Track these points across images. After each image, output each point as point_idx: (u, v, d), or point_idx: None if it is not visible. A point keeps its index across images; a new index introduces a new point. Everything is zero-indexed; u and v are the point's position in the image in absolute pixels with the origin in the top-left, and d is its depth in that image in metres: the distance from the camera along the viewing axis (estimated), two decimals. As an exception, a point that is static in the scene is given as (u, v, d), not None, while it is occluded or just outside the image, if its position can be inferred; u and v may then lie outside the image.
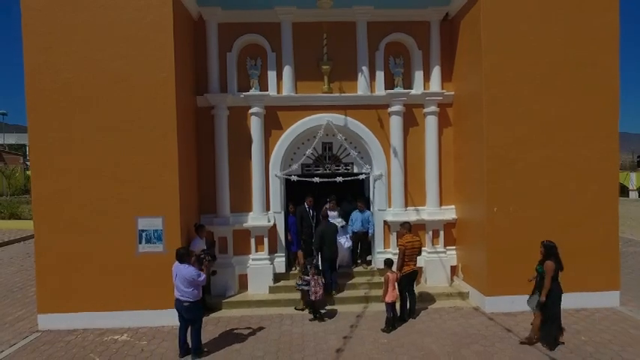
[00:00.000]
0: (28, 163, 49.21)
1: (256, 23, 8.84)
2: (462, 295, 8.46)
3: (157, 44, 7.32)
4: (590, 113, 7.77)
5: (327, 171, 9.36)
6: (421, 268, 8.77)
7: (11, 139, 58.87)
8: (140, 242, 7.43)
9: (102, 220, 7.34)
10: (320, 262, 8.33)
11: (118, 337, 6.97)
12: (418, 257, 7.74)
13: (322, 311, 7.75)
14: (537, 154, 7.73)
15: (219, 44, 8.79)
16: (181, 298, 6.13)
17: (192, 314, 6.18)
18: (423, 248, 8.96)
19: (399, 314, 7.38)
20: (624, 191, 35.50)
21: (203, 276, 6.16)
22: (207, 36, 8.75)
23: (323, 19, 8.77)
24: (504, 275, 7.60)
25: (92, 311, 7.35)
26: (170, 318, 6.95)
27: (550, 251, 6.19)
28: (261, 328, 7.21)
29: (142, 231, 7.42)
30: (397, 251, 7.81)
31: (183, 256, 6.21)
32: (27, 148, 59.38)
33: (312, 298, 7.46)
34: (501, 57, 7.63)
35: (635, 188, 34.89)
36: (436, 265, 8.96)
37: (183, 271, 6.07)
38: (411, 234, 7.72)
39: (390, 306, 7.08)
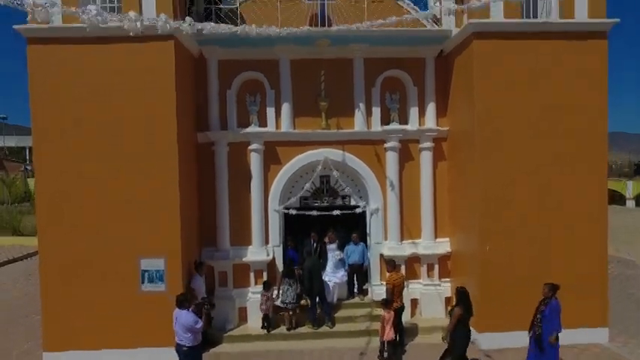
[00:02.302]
0: (28, 167, 49.41)
1: (255, 60, 9.03)
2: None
3: (159, 88, 7.55)
4: (580, 154, 7.99)
5: (325, 203, 9.57)
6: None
7: (11, 141, 58.50)
8: (143, 282, 7.66)
9: (106, 260, 7.56)
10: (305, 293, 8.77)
11: (121, 377, 7.19)
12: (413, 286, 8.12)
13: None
14: (527, 192, 7.95)
15: (219, 82, 8.99)
16: (180, 342, 6.35)
17: (190, 358, 6.41)
18: (419, 280, 9.26)
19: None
20: (621, 199, 35.86)
21: (200, 323, 6.37)
22: (207, 73, 8.95)
23: (321, 56, 8.97)
24: (497, 311, 7.83)
25: (96, 349, 7.58)
26: (173, 355, 7.17)
27: (460, 297, 6.55)
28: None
29: (145, 271, 7.64)
30: (390, 259, 8.41)
31: (182, 302, 6.42)
32: (27, 150, 59.56)
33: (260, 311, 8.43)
34: (493, 97, 7.84)
35: (632, 197, 35.16)
36: (432, 297, 9.19)
37: (183, 317, 6.28)
38: (395, 271, 8.00)
39: (391, 345, 7.33)
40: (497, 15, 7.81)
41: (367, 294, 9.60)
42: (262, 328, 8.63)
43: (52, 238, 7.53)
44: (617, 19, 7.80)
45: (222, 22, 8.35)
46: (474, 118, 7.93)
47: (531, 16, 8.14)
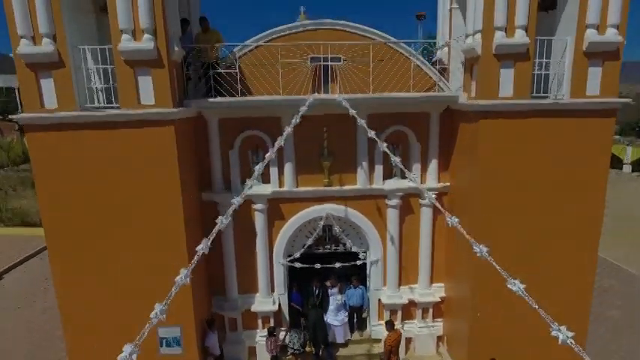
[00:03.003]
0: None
1: (257, 118, 8.85)
2: (446, 369, 9.65)
3: (163, 167, 7.56)
4: (573, 228, 8.25)
5: (328, 250, 10.01)
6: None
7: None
8: (161, 346, 8.36)
9: (128, 327, 8.16)
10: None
11: None
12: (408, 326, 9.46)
13: None
14: (519, 254, 8.31)
15: (220, 141, 8.89)
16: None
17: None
18: (414, 321, 10.05)
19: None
20: (619, 162, 36.06)
21: None
22: (208, 132, 8.82)
23: (324, 112, 8.77)
24: (487, 350, 8.61)
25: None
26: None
27: None
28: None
29: (162, 338, 8.30)
30: (388, 319, 9.26)
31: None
32: (17, 91, 57.76)
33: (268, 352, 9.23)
34: (496, 167, 7.88)
35: (629, 162, 35.33)
36: (425, 337, 10.02)
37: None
38: (393, 331, 8.73)
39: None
40: (506, 90, 7.58)
41: (366, 328, 10.45)
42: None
43: (74, 314, 8.06)
44: (629, 100, 7.60)
45: (220, 84, 8.16)
46: (476, 184, 8.06)
47: (542, 89, 7.89)
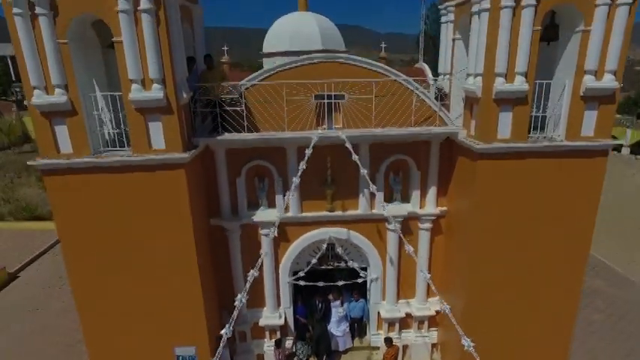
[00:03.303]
0: (21, 101, 47.97)
1: (262, 148, 9.14)
2: (439, 376, 10.49)
3: (175, 205, 7.94)
4: (560, 257, 8.76)
5: (330, 267, 10.58)
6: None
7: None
8: (176, 363, 9.10)
9: (147, 349, 8.88)
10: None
11: None
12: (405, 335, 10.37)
13: None
14: (509, 281, 8.92)
15: (227, 170, 9.22)
16: None
17: None
18: (410, 330, 10.79)
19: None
20: (618, 144, 36.34)
21: None
22: (216, 163, 9.13)
23: (327, 143, 9.05)
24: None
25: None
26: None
27: None
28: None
29: (179, 356, 9.02)
30: (387, 337, 10.04)
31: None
32: (9, 59, 56.90)
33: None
34: (491, 199, 8.27)
35: (628, 144, 35.53)
36: (420, 345, 10.79)
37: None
38: (392, 347, 9.48)
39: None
40: (504, 132, 7.85)
41: (365, 335, 11.23)
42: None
43: (96, 336, 8.71)
44: (623, 142, 7.88)
45: (227, 119, 8.43)
46: (472, 214, 8.49)
47: (538, 127, 8.15)
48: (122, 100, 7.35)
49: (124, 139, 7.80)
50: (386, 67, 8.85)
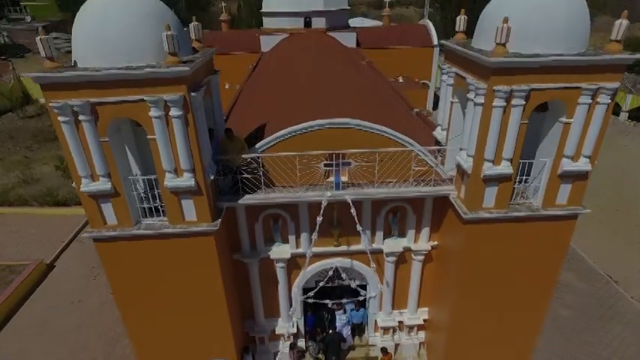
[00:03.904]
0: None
1: (277, 204, 10.30)
2: (424, 371, 12.76)
3: (206, 263, 9.42)
4: (526, 297, 10.41)
5: (336, 284, 12.31)
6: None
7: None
8: (212, 371, 11.19)
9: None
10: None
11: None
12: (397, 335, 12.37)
13: None
14: (483, 309, 10.65)
15: (247, 220, 10.54)
16: None
17: None
18: (401, 333, 12.85)
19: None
20: (617, 108, 36.54)
21: None
22: (237, 215, 10.41)
23: (334, 200, 10.17)
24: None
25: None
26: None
27: None
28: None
29: (214, 365, 11.08)
30: (381, 333, 12.07)
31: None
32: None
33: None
34: (476, 249, 9.65)
35: (627, 110, 35.87)
36: (410, 345, 12.93)
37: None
38: (386, 354, 11.51)
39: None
40: (489, 201, 9.05)
41: (364, 334, 13.35)
42: (292, 365, 12.63)
43: (146, 355, 10.67)
44: (589, 210, 9.11)
45: (246, 183, 9.60)
46: (459, 259, 10.00)
47: (519, 197, 9.32)
48: (157, 182, 8.45)
49: (160, 209, 9.00)
50: (389, 130, 9.71)
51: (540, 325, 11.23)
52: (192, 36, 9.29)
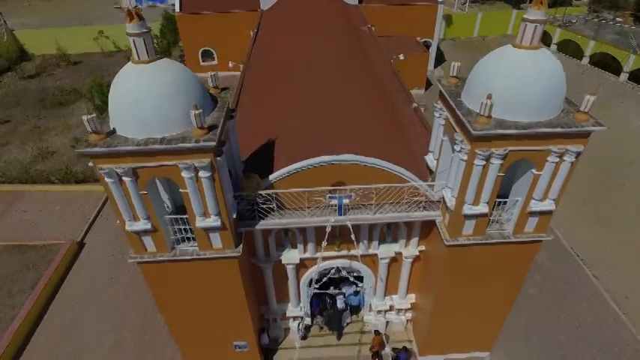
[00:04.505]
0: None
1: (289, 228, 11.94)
2: (409, 343, 15.36)
3: (230, 277, 11.33)
4: (494, 298, 12.53)
5: (337, 276, 14.43)
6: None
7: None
8: (235, 348, 13.68)
9: (215, 344, 13.33)
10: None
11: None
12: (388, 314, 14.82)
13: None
14: (459, 298, 12.86)
15: (262, 236, 12.29)
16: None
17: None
18: (392, 313, 15.31)
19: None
20: (618, 68, 36.52)
21: None
22: (254, 233, 12.11)
23: (337, 224, 11.81)
24: (439, 338, 14.11)
25: (215, 369, 14.35)
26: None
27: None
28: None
29: (236, 345, 13.55)
30: (376, 329, 14.46)
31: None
32: None
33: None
34: (456, 263, 11.59)
35: (628, 70, 35.84)
36: (398, 323, 15.44)
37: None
38: (379, 336, 13.98)
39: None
40: (468, 230, 10.73)
41: (359, 312, 15.83)
42: (300, 338, 15.18)
43: (186, 344, 13.05)
44: (551, 237, 10.81)
45: (261, 212, 11.24)
46: (442, 268, 11.98)
47: (495, 223, 10.96)
48: (189, 221, 10.04)
49: (191, 237, 10.67)
50: (385, 164, 11.07)
51: (507, 311, 13.53)
52: (210, 83, 10.25)
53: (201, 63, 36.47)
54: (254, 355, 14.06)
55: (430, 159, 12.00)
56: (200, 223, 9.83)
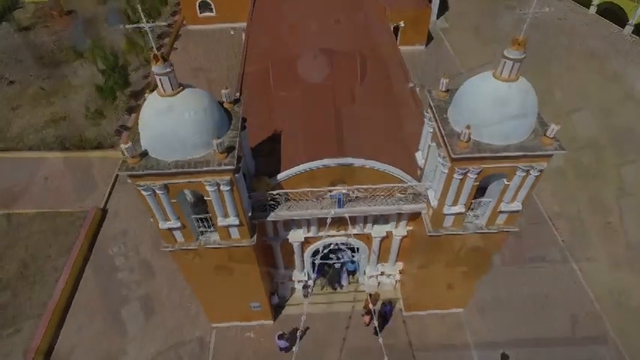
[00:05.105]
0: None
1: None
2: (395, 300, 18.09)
3: (247, 259, 13.50)
4: (464, 275, 14.84)
5: (336, 248, 16.69)
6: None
7: None
8: (251, 307, 16.34)
9: (236, 306, 15.95)
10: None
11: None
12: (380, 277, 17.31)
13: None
14: (437, 269, 15.26)
15: (272, 223, 14.19)
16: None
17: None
18: (382, 276, 17.91)
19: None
20: (623, 19, 35.91)
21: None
22: (265, 222, 14.03)
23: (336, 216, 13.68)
24: (421, 296, 16.81)
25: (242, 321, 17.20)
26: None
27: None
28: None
29: (251, 305, 16.19)
30: (368, 277, 17.13)
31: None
32: None
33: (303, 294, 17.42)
34: (436, 247, 13.74)
35: (634, 24, 35.24)
36: (388, 284, 18.06)
37: (279, 339, 15.57)
38: (372, 297, 16.58)
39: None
40: (448, 223, 12.67)
41: (356, 275, 18.42)
42: (304, 296, 17.91)
43: (211, 308, 15.62)
44: (517, 229, 12.76)
45: (271, 204, 13.15)
46: (424, 250, 14.17)
47: (472, 216, 12.85)
48: (212, 219, 11.90)
49: (213, 229, 12.61)
50: (380, 166, 12.66)
51: (479, 278, 16.01)
52: (224, 99, 11.48)
53: (199, 14, 35.80)
54: (266, 312, 16.80)
55: (419, 156, 13.56)
56: (222, 222, 11.71)
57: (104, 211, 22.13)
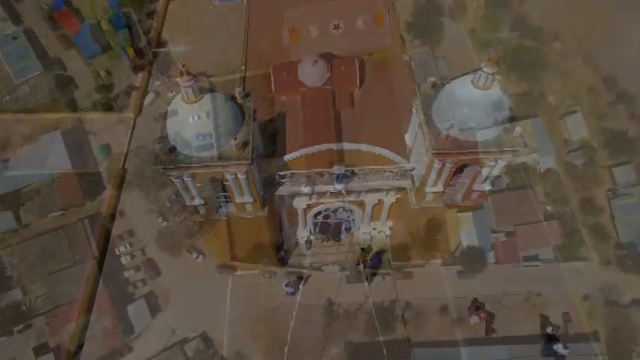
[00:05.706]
0: None
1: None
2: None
3: (263, 223, 15.99)
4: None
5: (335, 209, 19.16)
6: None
7: None
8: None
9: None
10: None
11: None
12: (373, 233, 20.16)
13: None
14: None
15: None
16: (285, 286, 19.15)
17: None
18: (377, 230, 20.69)
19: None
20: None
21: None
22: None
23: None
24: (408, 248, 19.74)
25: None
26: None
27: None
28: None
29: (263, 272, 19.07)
30: (363, 246, 20.03)
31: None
32: None
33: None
34: (420, 215, 16.23)
35: None
36: (380, 238, 20.83)
37: (286, 285, 18.71)
38: (366, 251, 19.44)
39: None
40: (429, 198, 14.95)
41: (352, 231, 21.16)
42: (307, 249, 20.79)
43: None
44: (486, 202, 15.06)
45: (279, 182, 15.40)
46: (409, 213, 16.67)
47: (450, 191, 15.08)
48: (230, 197, 14.13)
49: (229, 201, 14.89)
50: (376, 149, 14.60)
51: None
52: (237, 95, 13.09)
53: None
54: (274, 264, 19.72)
55: (408, 137, 15.44)
56: (239, 199, 13.99)
57: (124, 170, 24.20)
